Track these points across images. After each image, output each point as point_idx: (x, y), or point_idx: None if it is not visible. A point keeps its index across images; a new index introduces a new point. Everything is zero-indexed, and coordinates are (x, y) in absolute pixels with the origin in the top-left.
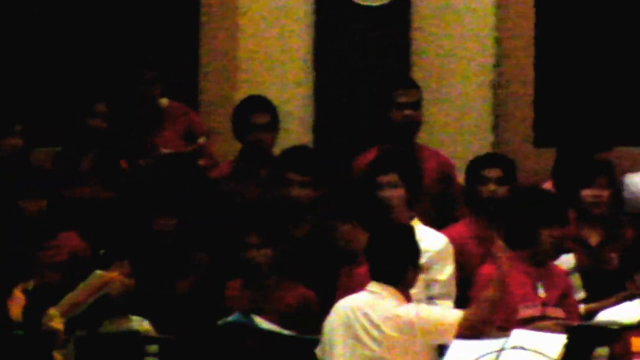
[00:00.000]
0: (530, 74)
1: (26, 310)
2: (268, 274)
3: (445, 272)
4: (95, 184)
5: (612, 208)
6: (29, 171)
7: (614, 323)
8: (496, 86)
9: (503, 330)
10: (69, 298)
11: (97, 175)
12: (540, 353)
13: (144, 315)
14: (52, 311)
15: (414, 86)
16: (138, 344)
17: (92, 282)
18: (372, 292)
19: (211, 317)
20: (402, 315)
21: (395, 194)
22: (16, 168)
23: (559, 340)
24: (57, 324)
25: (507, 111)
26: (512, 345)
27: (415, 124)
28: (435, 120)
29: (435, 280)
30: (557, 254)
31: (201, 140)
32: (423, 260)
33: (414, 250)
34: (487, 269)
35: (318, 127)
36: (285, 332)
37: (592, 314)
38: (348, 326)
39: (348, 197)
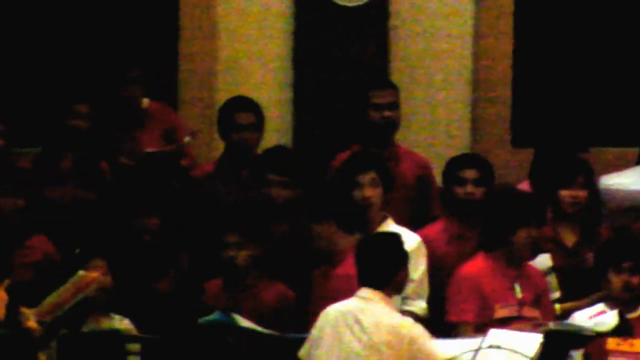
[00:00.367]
0: (507, 74)
1: (8, 308)
2: (247, 273)
3: (419, 271)
4: (75, 184)
5: (588, 208)
6: (9, 171)
7: (589, 330)
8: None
9: (480, 330)
10: (52, 298)
11: (77, 176)
12: (517, 352)
13: (124, 314)
14: (27, 310)
15: (391, 87)
16: (120, 343)
17: (75, 282)
18: (363, 297)
19: (192, 315)
20: (397, 327)
21: (375, 193)
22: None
23: (535, 339)
24: (32, 323)
25: (485, 112)
26: (489, 344)
27: (392, 125)
28: (412, 121)
29: (411, 280)
30: (533, 254)
31: (185, 139)
32: None
33: (403, 255)
34: (464, 269)
35: (297, 128)
36: (265, 330)
37: (567, 313)
38: (336, 330)
39: (325, 197)
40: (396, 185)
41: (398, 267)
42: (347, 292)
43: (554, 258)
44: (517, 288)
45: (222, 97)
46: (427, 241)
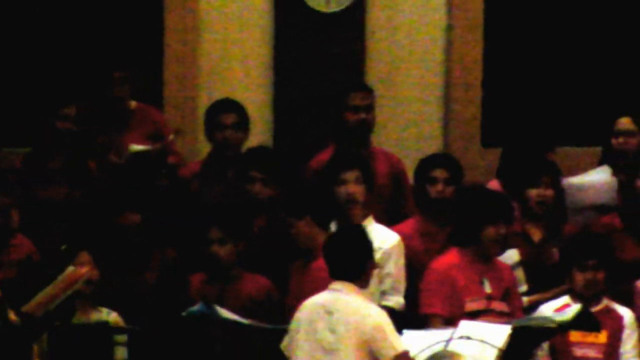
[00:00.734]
0: (478, 79)
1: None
2: (230, 267)
3: (397, 268)
4: (63, 183)
5: (554, 206)
6: None
7: (553, 321)
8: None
9: (450, 322)
10: (44, 293)
11: (65, 175)
12: (486, 342)
13: (111, 306)
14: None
15: (367, 90)
16: (107, 334)
17: (65, 277)
18: (334, 290)
19: (176, 308)
20: (369, 317)
21: (359, 190)
22: None
23: (504, 331)
24: (12, 316)
25: (455, 113)
26: (460, 335)
27: (368, 126)
28: (387, 122)
29: (388, 275)
30: (501, 250)
31: (171, 137)
32: (377, 257)
33: (370, 247)
34: (436, 264)
35: (277, 128)
36: (246, 321)
37: (534, 305)
38: (310, 322)
39: (304, 194)
40: (373, 185)
41: (365, 259)
42: (324, 285)
43: (521, 253)
44: (486, 282)
45: (204, 99)
46: (401, 237)
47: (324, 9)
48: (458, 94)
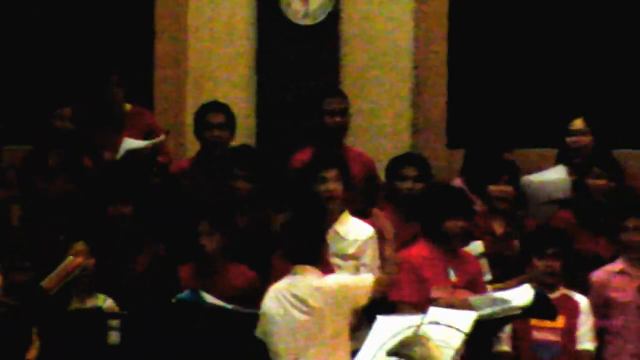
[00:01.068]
0: (443, 85)
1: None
2: (217, 257)
3: (372, 258)
4: (61, 179)
5: (515, 202)
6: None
7: (517, 309)
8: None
9: (418, 308)
10: (45, 282)
11: (63, 171)
12: (453, 327)
13: (106, 293)
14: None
15: (342, 95)
16: (101, 319)
17: (65, 266)
18: (294, 274)
19: (166, 295)
20: (324, 286)
21: (338, 187)
22: None
23: (469, 316)
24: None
25: (423, 116)
26: (429, 320)
27: (343, 128)
28: (360, 125)
29: (364, 265)
30: (463, 242)
31: (161, 137)
32: (354, 248)
33: (322, 231)
34: (404, 255)
35: (260, 129)
36: (230, 306)
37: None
38: (281, 307)
39: (285, 190)
40: (349, 183)
41: (321, 242)
42: None
43: (485, 245)
44: (452, 272)
45: (192, 101)
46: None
47: (301, 22)
48: (425, 99)
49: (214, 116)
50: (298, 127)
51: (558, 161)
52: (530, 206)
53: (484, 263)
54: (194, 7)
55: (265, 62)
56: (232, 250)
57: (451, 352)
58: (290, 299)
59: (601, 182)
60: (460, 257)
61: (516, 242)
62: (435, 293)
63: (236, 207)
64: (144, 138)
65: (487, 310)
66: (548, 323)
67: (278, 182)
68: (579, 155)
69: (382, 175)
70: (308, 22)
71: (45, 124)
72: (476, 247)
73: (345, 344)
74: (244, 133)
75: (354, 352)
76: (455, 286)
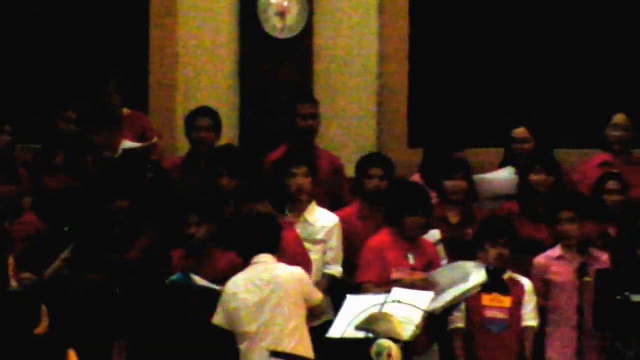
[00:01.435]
0: (404, 92)
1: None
2: (204, 245)
3: (338, 242)
4: (66, 175)
5: (467, 195)
6: (13, 163)
7: (470, 290)
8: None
9: (380, 288)
10: (53, 267)
11: (68, 169)
12: (413, 306)
13: (106, 275)
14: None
15: (314, 101)
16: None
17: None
18: (257, 262)
19: (160, 278)
20: (292, 275)
21: (307, 182)
22: (5, 160)
23: (427, 296)
24: (13, 283)
25: (386, 120)
26: (393, 299)
27: (314, 130)
28: (330, 127)
29: (331, 249)
30: (421, 234)
31: (154, 139)
32: (322, 234)
33: (277, 227)
34: (370, 242)
35: (242, 130)
36: (217, 287)
37: None
38: (250, 293)
39: (263, 183)
40: (316, 178)
41: (279, 233)
42: (287, 256)
43: (441, 233)
44: (411, 257)
45: (182, 107)
46: (343, 220)
47: (279, 35)
48: (389, 105)
49: (201, 120)
50: (276, 128)
51: (504, 163)
52: (480, 200)
53: (440, 249)
54: (183, 23)
55: (247, 71)
56: (219, 238)
57: (412, 328)
58: (257, 283)
59: (541, 177)
60: (418, 244)
61: (469, 230)
62: (395, 274)
63: (222, 201)
64: (140, 139)
65: (449, 298)
66: (497, 303)
67: (258, 176)
68: (523, 158)
69: (349, 171)
70: (285, 36)
71: (52, 126)
72: (434, 234)
73: (304, 326)
74: (229, 133)
75: (326, 326)
76: (413, 269)
